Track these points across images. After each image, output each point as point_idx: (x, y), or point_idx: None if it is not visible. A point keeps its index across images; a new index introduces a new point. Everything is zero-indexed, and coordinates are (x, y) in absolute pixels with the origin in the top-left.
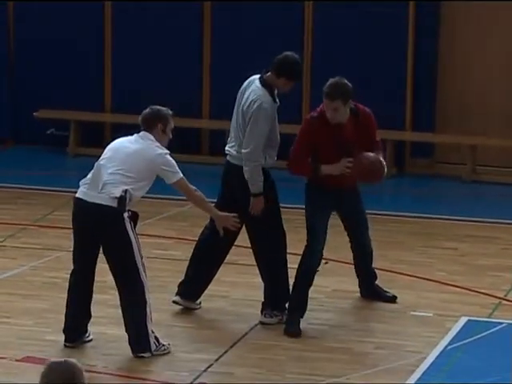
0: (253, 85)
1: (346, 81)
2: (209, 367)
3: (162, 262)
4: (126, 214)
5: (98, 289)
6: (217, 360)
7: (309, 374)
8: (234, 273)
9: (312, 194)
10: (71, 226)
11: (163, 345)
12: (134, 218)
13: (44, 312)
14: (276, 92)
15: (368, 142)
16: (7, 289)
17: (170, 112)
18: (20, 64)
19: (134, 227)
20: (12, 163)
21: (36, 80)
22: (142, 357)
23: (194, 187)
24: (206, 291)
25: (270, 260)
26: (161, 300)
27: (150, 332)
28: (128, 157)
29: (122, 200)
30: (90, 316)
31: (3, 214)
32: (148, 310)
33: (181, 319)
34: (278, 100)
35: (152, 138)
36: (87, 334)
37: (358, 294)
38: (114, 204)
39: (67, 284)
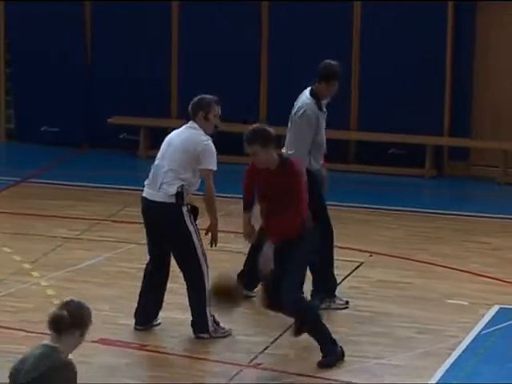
0: (303, 95)
1: (266, 127)
2: (265, 349)
3: (223, 253)
4: (184, 208)
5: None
6: (272, 343)
7: (355, 355)
8: None
9: None
10: (141, 221)
11: (223, 328)
12: (194, 211)
13: (117, 298)
14: (324, 102)
15: (291, 197)
16: (85, 277)
17: (215, 98)
18: (96, 68)
19: (195, 220)
20: (87, 165)
21: (109, 86)
22: (202, 337)
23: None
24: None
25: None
26: None
27: (208, 315)
28: (176, 152)
29: (178, 196)
30: (161, 305)
31: (80, 210)
32: (206, 294)
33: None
34: (325, 109)
35: (196, 126)
36: (156, 318)
37: (401, 284)
38: (173, 200)
39: (138, 273)
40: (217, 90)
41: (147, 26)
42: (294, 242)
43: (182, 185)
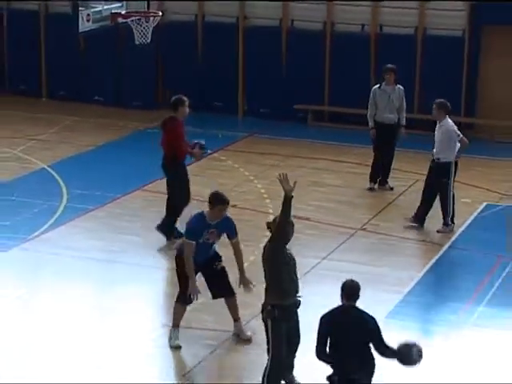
0: None
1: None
2: None
3: None
4: None
5: None
6: None
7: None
8: None
9: None
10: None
11: None
12: None
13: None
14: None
15: None
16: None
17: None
18: (290, 71)
19: None
20: (284, 130)
21: (295, 81)
22: None
23: None
24: None
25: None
26: None
27: None
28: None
29: None
30: None
31: (275, 151)
32: None
33: None
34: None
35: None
36: None
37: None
38: None
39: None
40: None
41: None
42: None
43: None
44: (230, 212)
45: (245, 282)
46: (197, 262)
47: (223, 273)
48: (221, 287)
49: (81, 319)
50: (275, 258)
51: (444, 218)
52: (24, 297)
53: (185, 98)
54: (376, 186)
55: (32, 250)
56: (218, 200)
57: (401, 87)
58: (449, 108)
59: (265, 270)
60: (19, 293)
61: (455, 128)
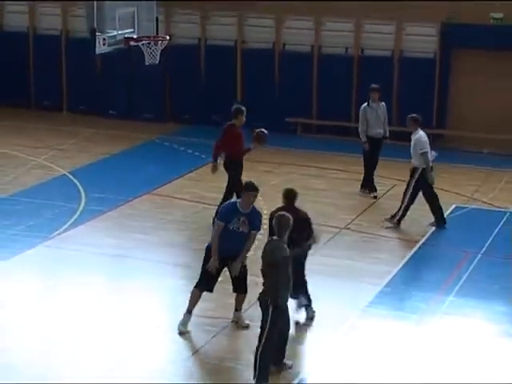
0: None
1: None
2: None
3: None
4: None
5: None
6: None
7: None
8: None
9: None
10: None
11: None
12: None
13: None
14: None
15: None
16: (276, 189)
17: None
18: (283, 86)
19: None
20: (283, 142)
21: (289, 97)
22: None
23: None
24: None
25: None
26: None
27: None
28: None
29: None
30: None
31: (268, 162)
32: None
33: None
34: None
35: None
36: None
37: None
38: None
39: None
40: None
41: None
42: None
43: None
44: None
45: (235, 267)
46: (227, 250)
47: (244, 272)
48: (238, 284)
49: (98, 307)
50: (280, 256)
51: (397, 211)
52: (49, 288)
53: (244, 108)
54: (377, 193)
55: (55, 246)
56: (250, 187)
57: (383, 104)
58: (420, 121)
59: (264, 265)
60: (45, 284)
61: (425, 139)
